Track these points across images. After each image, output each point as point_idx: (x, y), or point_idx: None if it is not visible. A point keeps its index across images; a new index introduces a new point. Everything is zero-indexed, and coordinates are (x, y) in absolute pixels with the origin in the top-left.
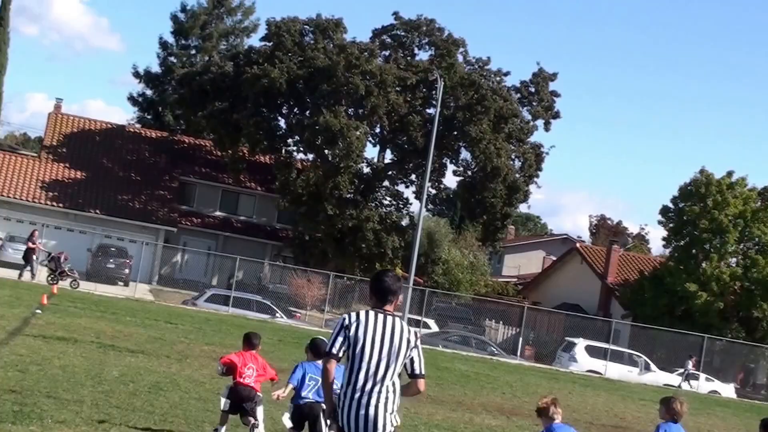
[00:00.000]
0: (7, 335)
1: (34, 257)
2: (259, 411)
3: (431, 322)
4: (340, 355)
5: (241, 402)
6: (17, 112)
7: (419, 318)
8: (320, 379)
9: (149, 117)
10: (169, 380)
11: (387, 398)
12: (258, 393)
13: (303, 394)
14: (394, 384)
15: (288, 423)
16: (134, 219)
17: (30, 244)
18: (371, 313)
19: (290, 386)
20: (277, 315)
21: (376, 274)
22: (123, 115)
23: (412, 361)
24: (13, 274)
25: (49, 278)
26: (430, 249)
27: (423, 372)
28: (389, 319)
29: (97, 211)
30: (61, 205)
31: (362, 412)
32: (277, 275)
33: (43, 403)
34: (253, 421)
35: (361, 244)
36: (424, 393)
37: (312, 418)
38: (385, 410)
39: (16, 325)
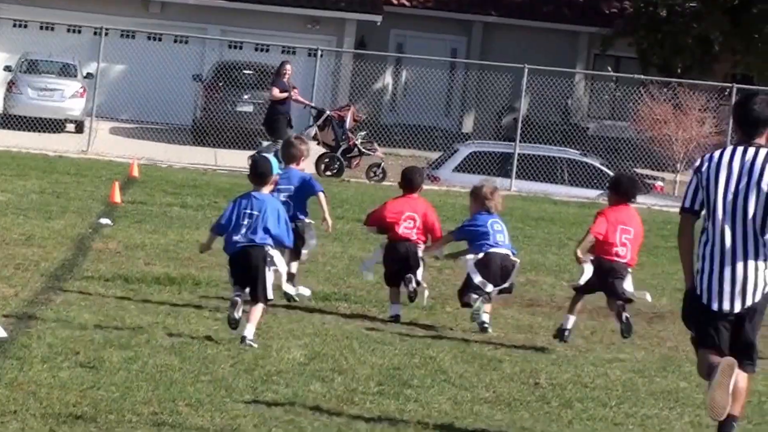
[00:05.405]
0: (45, 281)
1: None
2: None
3: None
4: (697, 208)
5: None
6: None
7: None
8: (259, 215)
9: None
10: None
11: (757, 248)
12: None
13: (234, 238)
14: (764, 229)
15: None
16: (284, 3)
17: (275, 92)
18: (729, 149)
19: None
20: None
21: (741, 100)
22: None
23: None
24: (38, 143)
25: (326, 169)
26: None
27: None
28: (750, 150)
29: None
30: None
31: (727, 269)
32: (602, 97)
33: None
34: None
35: None
36: None
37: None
38: (756, 265)
39: (65, 257)
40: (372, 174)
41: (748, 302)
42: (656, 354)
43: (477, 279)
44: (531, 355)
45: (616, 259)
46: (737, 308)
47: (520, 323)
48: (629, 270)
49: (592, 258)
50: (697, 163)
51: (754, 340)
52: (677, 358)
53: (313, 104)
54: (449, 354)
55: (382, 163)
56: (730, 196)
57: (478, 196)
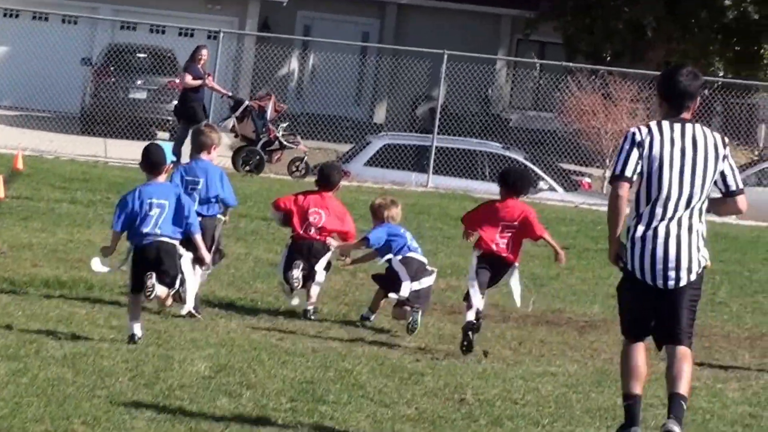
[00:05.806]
0: None
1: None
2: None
3: None
4: (635, 178)
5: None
6: None
7: None
8: (167, 203)
9: None
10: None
11: (693, 228)
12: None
13: (144, 230)
14: (701, 211)
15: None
16: None
17: (187, 78)
18: (665, 124)
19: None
20: (543, 187)
21: (667, 72)
22: None
23: (723, 176)
24: None
25: (244, 164)
26: None
27: (740, 187)
28: (688, 127)
29: None
30: None
31: (660, 248)
32: (525, 86)
33: None
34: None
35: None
36: (744, 212)
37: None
38: (690, 244)
39: None
40: (294, 169)
41: (685, 279)
42: (590, 367)
43: (403, 274)
44: (455, 367)
45: (497, 253)
46: (682, 282)
47: (442, 332)
48: (515, 266)
49: (477, 254)
50: (637, 137)
51: (687, 321)
52: (613, 371)
53: (230, 93)
54: (366, 366)
55: (305, 157)
56: (675, 175)
57: (375, 211)
